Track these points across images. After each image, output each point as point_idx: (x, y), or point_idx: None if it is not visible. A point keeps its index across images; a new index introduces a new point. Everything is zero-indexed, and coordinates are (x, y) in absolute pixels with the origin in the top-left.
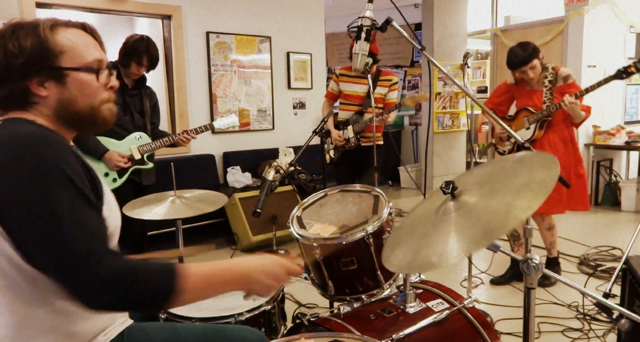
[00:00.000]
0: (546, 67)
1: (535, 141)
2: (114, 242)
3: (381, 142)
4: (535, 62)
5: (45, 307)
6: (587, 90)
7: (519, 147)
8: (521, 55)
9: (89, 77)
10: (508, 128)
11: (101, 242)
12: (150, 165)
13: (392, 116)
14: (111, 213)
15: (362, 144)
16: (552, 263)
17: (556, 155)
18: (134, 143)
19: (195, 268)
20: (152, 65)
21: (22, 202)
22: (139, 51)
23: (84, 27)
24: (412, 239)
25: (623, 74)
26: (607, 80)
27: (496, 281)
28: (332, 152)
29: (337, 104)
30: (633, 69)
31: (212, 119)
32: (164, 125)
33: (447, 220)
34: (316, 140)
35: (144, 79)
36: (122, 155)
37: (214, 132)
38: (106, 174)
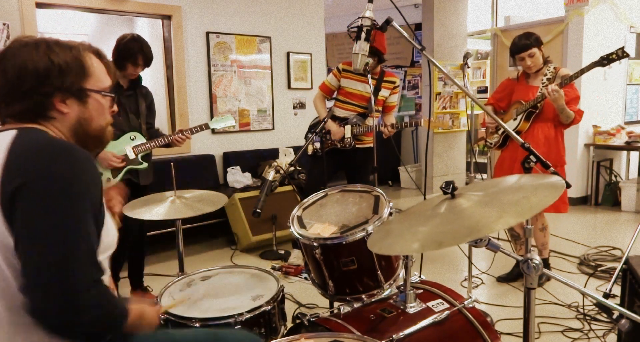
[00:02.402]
0: (549, 63)
1: (519, 133)
2: (107, 254)
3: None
4: (535, 51)
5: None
6: (571, 78)
7: (505, 138)
8: (522, 41)
9: (104, 100)
10: (507, 128)
11: (90, 275)
12: (145, 165)
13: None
14: (107, 226)
15: (356, 146)
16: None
17: (536, 151)
18: (128, 143)
19: (132, 315)
20: (147, 63)
21: (42, 214)
22: (133, 52)
23: (98, 54)
24: (401, 227)
25: (604, 60)
26: (589, 68)
27: (502, 279)
28: (318, 145)
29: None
30: (614, 56)
31: (212, 119)
32: (164, 125)
33: (436, 216)
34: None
35: (139, 78)
36: (115, 155)
37: (214, 132)
38: (100, 174)
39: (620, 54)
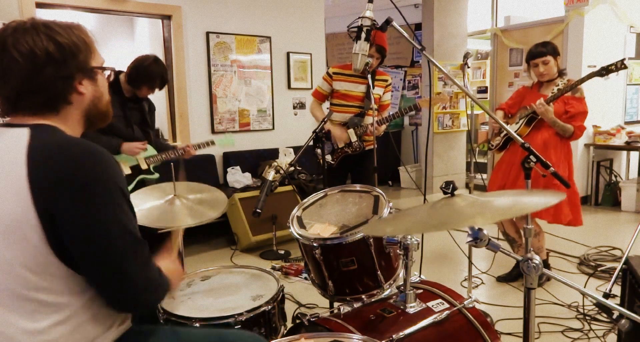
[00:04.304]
0: (563, 75)
1: (519, 137)
2: None
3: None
4: (550, 58)
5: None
6: (571, 87)
7: (506, 141)
8: (539, 49)
9: (104, 76)
10: (508, 128)
11: (148, 261)
12: (157, 175)
13: (382, 127)
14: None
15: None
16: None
17: None
18: (141, 154)
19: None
20: (162, 87)
21: (85, 218)
22: (153, 76)
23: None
24: (394, 218)
25: (604, 71)
26: (589, 77)
27: (502, 279)
28: (329, 157)
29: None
30: (613, 68)
31: (212, 120)
32: (164, 125)
33: (426, 210)
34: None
35: None
36: (138, 142)
37: (214, 132)
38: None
39: (619, 66)
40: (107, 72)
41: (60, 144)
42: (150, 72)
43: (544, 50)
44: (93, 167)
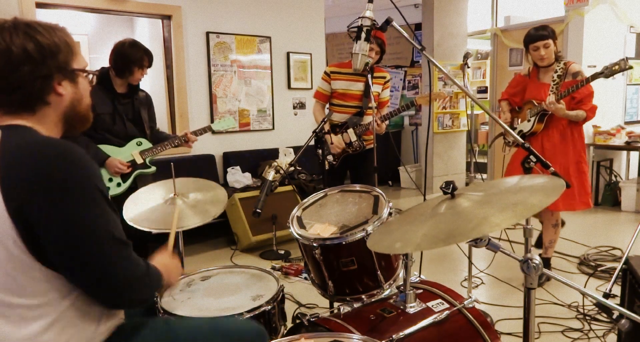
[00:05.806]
0: (559, 59)
1: (535, 134)
2: None
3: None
4: (550, 42)
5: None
6: (577, 87)
7: (522, 137)
8: (540, 32)
9: (87, 79)
10: (508, 128)
11: (130, 253)
12: (154, 169)
13: (384, 124)
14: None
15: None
16: (544, 264)
17: (553, 150)
18: (135, 149)
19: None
20: (151, 63)
21: (62, 220)
22: (138, 55)
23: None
24: (401, 226)
25: (607, 71)
26: (594, 77)
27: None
28: (331, 158)
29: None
30: (617, 68)
31: (212, 120)
32: (164, 125)
33: (432, 216)
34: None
35: (137, 84)
36: (122, 161)
37: (214, 132)
38: (110, 180)
39: (624, 66)
40: (90, 76)
41: (33, 144)
42: (134, 53)
43: (545, 33)
44: (67, 167)
